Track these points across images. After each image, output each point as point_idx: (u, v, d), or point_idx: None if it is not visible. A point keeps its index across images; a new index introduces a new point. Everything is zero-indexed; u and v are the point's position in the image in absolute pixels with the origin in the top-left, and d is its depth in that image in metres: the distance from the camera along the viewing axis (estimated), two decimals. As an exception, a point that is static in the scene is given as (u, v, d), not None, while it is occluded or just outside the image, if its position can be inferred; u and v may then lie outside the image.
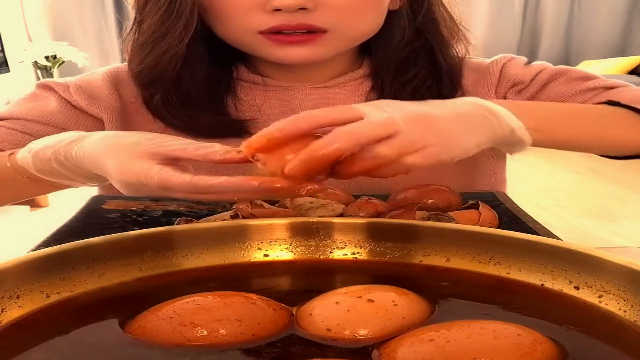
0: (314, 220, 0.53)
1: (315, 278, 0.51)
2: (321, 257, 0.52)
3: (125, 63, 0.84)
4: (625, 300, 0.42)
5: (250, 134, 0.82)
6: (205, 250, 0.51)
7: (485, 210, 0.61)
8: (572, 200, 3.23)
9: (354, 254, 0.52)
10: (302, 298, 0.43)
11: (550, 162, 4.06)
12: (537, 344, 0.35)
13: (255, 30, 0.74)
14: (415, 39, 0.83)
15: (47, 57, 3.78)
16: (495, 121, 0.56)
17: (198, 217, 0.62)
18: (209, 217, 0.61)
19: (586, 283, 0.44)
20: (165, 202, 0.70)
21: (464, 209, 0.64)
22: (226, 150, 0.51)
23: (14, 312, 0.42)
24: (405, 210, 0.60)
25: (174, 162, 0.52)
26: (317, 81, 0.85)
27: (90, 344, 0.39)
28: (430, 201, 0.65)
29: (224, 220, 0.59)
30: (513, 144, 0.60)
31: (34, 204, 3.05)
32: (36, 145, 0.60)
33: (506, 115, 0.57)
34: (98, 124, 0.83)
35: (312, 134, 0.49)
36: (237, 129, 0.83)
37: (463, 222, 0.57)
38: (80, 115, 0.82)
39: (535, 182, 3.59)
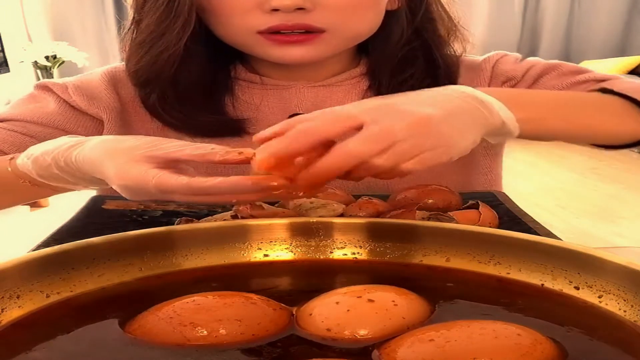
0: (314, 220, 0.53)
1: (315, 278, 0.51)
2: (321, 257, 0.52)
3: (124, 63, 0.84)
4: (625, 300, 0.42)
5: (248, 133, 0.83)
6: (205, 250, 0.51)
7: (485, 210, 0.61)
8: (572, 200, 3.24)
9: (354, 254, 0.52)
10: (302, 298, 0.43)
11: (550, 162, 4.06)
12: (537, 344, 0.35)
13: (253, 30, 0.74)
14: (414, 38, 0.83)
15: (47, 57, 3.78)
16: (486, 113, 0.55)
17: (198, 217, 0.62)
18: (210, 217, 0.61)
19: (586, 283, 0.44)
20: (165, 202, 0.70)
21: (464, 209, 0.64)
22: (227, 151, 0.51)
23: (14, 312, 0.42)
24: (405, 210, 0.60)
25: (172, 164, 0.52)
26: (314, 80, 0.85)
27: (90, 343, 0.39)
28: (430, 201, 0.65)
29: (224, 220, 0.59)
30: (502, 134, 0.58)
31: (34, 204, 3.05)
32: (35, 150, 0.60)
33: (497, 106, 0.56)
34: (97, 124, 0.83)
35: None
36: (234, 128, 0.83)
37: (463, 222, 0.57)
38: (80, 115, 0.82)
39: (535, 182, 3.59)
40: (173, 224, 0.59)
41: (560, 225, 2.77)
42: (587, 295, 0.44)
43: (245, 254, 0.52)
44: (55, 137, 0.79)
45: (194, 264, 0.51)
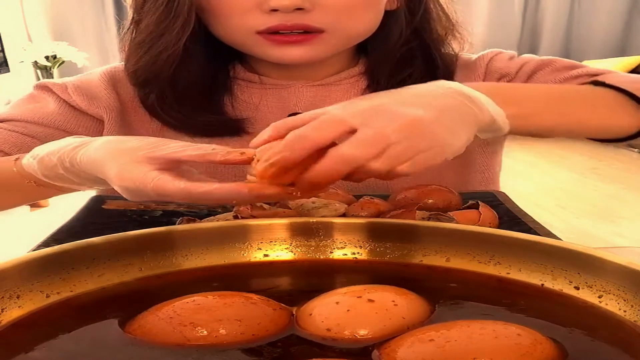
0: (314, 220, 0.53)
1: (315, 278, 0.51)
2: (321, 257, 0.52)
3: (123, 62, 0.84)
4: (625, 300, 0.42)
5: (247, 133, 0.83)
6: (205, 250, 0.51)
7: (485, 210, 0.61)
8: (572, 200, 3.23)
9: (354, 254, 0.52)
10: (302, 298, 0.43)
11: (550, 162, 4.06)
12: (537, 344, 0.35)
13: (252, 31, 0.75)
14: (412, 38, 0.83)
15: (47, 57, 3.78)
16: (476, 109, 0.54)
17: (199, 217, 0.62)
18: (212, 217, 0.61)
19: (586, 283, 0.44)
20: (165, 202, 0.70)
21: (464, 209, 0.64)
22: (228, 151, 0.51)
23: (14, 312, 0.42)
24: (405, 210, 0.60)
25: (174, 165, 0.52)
26: (313, 79, 0.85)
27: (90, 343, 0.39)
28: (430, 201, 0.65)
29: (226, 220, 0.59)
30: (492, 131, 0.58)
31: (34, 205, 3.05)
32: (40, 151, 0.60)
33: (487, 103, 0.56)
34: (97, 124, 0.83)
35: None
36: (234, 128, 0.83)
37: (463, 222, 0.57)
38: (80, 115, 0.82)
39: (535, 182, 3.59)
40: (173, 224, 0.59)
41: (560, 225, 2.77)
42: (587, 295, 0.44)
43: (245, 254, 0.52)
44: (55, 137, 0.79)
45: (194, 264, 0.51)
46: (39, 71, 3.85)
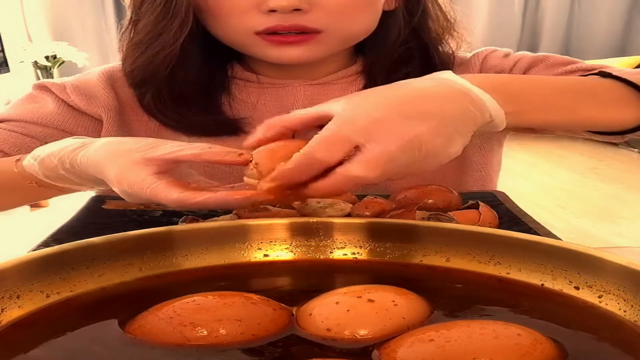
0: (314, 220, 0.53)
1: (315, 278, 0.51)
2: (321, 257, 0.52)
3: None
4: (625, 300, 0.42)
5: (245, 132, 0.83)
6: (205, 250, 0.51)
7: (485, 210, 0.61)
8: (572, 200, 3.23)
9: (354, 254, 0.52)
10: (302, 298, 0.43)
11: (550, 162, 4.06)
12: (537, 344, 0.35)
13: (250, 31, 0.75)
14: (411, 38, 0.83)
15: (47, 57, 3.78)
16: (478, 113, 0.54)
17: (199, 216, 0.62)
18: (216, 218, 0.61)
19: (586, 283, 0.44)
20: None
21: (464, 209, 0.64)
22: (226, 151, 0.51)
23: (14, 312, 0.42)
24: (405, 210, 0.60)
25: (172, 165, 0.53)
26: (311, 78, 0.85)
27: (90, 343, 0.39)
28: (430, 201, 0.65)
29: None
30: (488, 128, 0.57)
31: (34, 204, 3.05)
32: (41, 152, 0.61)
33: (488, 102, 0.55)
34: (96, 124, 0.83)
35: (304, 135, 0.51)
36: (231, 127, 0.83)
37: (463, 222, 0.57)
38: (79, 115, 0.82)
39: (535, 182, 3.59)
40: (173, 224, 0.59)
41: (560, 225, 2.77)
42: (587, 295, 0.44)
43: (245, 254, 0.52)
44: (54, 137, 0.80)
45: (194, 264, 0.51)
46: (39, 71, 3.85)
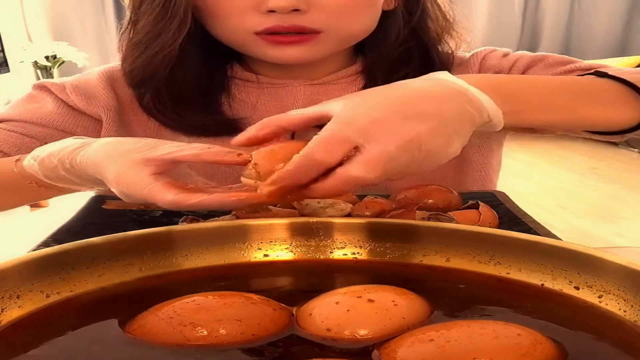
0: (314, 220, 0.53)
1: (315, 278, 0.51)
2: (321, 257, 0.52)
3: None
4: (625, 300, 0.42)
5: None
6: (205, 250, 0.51)
7: (485, 210, 0.61)
8: (572, 200, 3.23)
9: (354, 254, 0.52)
10: (302, 298, 0.43)
11: (550, 162, 4.06)
12: (537, 344, 0.35)
13: (250, 31, 0.75)
14: (410, 38, 0.83)
15: (47, 57, 3.78)
16: (476, 113, 0.54)
17: (199, 216, 0.62)
18: (216, 219, 0.61)
19: (586, 283, 0.44)
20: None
21: (464, 209, 0.64)
22: (225, 152, 0.51)
23: (14, 312, 0.42)
24: (405, 210, 0.60)
25: (171, 165, 0.53)
26: (311, 78, 0.85)
27: (90, 343, 0.39)
28: (430, 201, 0.65)
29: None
30: (486, 128, 0.57)
31: (34, 204, 3.05)
32: (41, 152, 0.61)
33: (486, 102, 0.55)
34: (96, 124, 0.83)
35: (304, 136, 0.52)
36: (231, 128, 0.83)
37: (463, 222, 0.57)
38: (78, 115, 0.82)
39: (535, 182, 3.59)
40: (173, 224, 0.59)
41: (560, 225, 2.77)
42: (587, 295, 0.44)
43: (245, 254, 0.52)
44: (54, 138, 0.80)
45: (194, 264, 0.51)
46: (39, 71, 3.85)
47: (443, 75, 0.56)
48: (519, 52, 0.87)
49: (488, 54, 0.87)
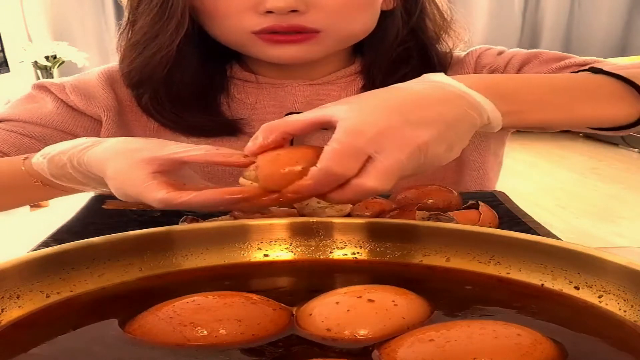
0: (314, 220, 0.53)
1: (315, 278, 0.51)
2: (321, 257, 0.52)
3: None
4: (625, 300, 0.42)
5: (244, 133, 0.83)
6: (205, 250, 0.51)
7: (485, 210, 0.61)
8: (572, 200, 3.23)
9: (354, 254, 0.52)
10: (302, 298, 0.43)
11: (550, 162, 4.06)
12: (537, 344, 0.35)
13: (248, 31, 0.74)
14: (409, 38, 0.83)
15: (47, 57, 3.78)
16: (476, 115, 0.54)
17: (199, 216, 0.62)
18: (215, 218, 0.61)
19: (586, 283, 0.44)
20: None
21: (464, 209, 0.64)
22: (231, 153, 0.51)
23: (14, 312, 0.42)
24: (405, 210, 0.60)
25: (175, 166, 0.53)
26: (310, 78, 0.85)
27: (90, 343, 0.39)
28: (430, 201, 0.65)
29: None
30: (485, 130, 0.57)
31: (34, 204, 3.05)
32: (51, 150, 0.61)
33: (486, 104, 0.55)
34: (96, 124, 0.83)
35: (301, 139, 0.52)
36: (230, 128, 0.83)
37: (463, 222, 0.57)
38: (78, 115, 0.82)
39: (535, 182, 3.59)
40: (173, 224, 0.59)
41: (560, 225, 2.77)
42: (587, 295, 0.44)
43: (245, 254, 0.52)
44: (54, 138, 0.80)
45: (194, 264, 0.51)
46: (39, 71, 3.85)
47: (439, 77, 0.56)
48: (514, 49, 0.87)
49: (483, 53, 0.87)
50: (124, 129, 0.84)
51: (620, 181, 3.63)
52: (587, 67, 0.69)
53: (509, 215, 0.67)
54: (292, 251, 0.53)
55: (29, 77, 3.87)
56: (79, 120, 0.82)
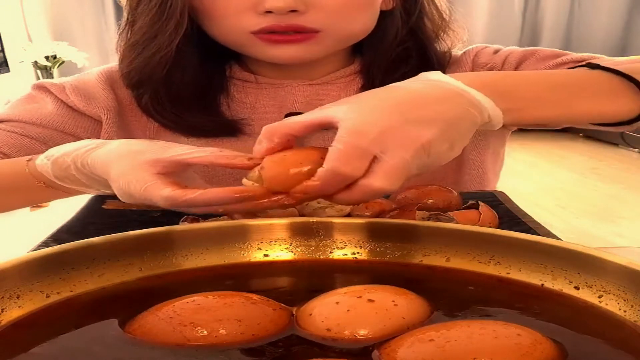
0: (314, 220, 0.53)
1: (315, 278, 0.51)
2: (321, 257, 0.52)
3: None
4: (625, 300, 0.42)
5: (244, 133, 0.83)
6: (205, 250, 0.51)
7: (485, 210, 0.61)
8: (572, 200, 3.23)
9: (354, 254, 0.52)
10: (302, 298, 0.43)
11: (550, 162, 4.06)
12: (537, 344, 0.35)
13: (247, 31, 0.74)
14: (408, 38, 0.83)
15: (47, 57, 3.77)
16: (477, 113, 0.54)
17: (200, 216, 0.62)
18: (216, 218, 0.61)
19: (586, 283, 0.44)
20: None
21: (464, 209, 0.64)
22: (235, 155, 0.51)
23: (14, 312, 0.42)
24: (405, 210, 0.60)
25: (179, 168, 0.53)
26: (309, 78, 0.85)
27: (90, 343, 0.39)
28: (430, 201, 0.65)
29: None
30: (486, 128, 0.57)
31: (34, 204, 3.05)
32: (56, 151, 0.61)
33: (486, 102, 0.55)
34: (96, 125, 0.83)
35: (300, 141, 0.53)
36: (230, 128, 0.83)
37: (463, 222, 0.57)
38: (78, 116, 0.82)
39: (535, 182, 3.59)
40: (173, 224, 0.59)
41: (560, 225, 2.77)
42: (587, 295, 0.44)
43: (245, 254, 0.52)
44: (54, 139, 0.80)
45: (194, 264, 0.51)
46: (39, 71, 3.85)
47: (437, 75, 0.56)
48: (510, 47, 0.87)
49: (480, 51, 0.87)
50: (124, 130, 0.84)
51: (620, 181, 3.63)
52: (584, 63, 0.69)
53: (509, 215, 0.67)
54: (292, 251, 0.53)
55: (29, 77, 3.87)
56: (79, 120, 0.82)
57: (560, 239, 0.50)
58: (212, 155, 0.52)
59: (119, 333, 0.40)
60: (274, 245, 0.52)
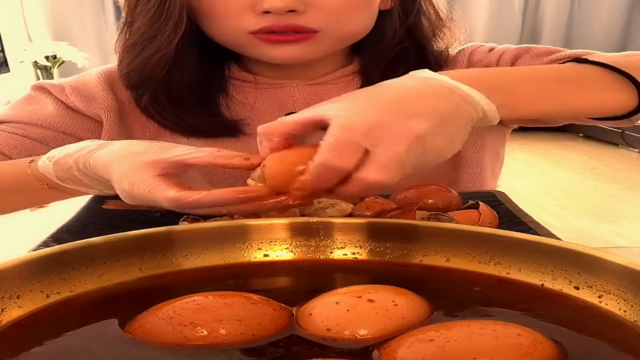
0: (314, 220, 0.53)
1: (315, 278, 0.51)
2: (321, 257, 0.52)
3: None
4: (625, 300, 0.42)
5: (244, 133, 0.83)
6: (205, 250, 0.51)
7: (485, 210, 0.61)
8: (572, 200, 3.23)
9: (354, 254, 0.52)
10: (302, 298, 0.43)
11: (550, 162, 4.06)
12: (537, 344, 0.35)
13: (245, 31, 0.74)
14: (406, 38, 0.83)
15: (47, 57, 3.78)
16: (471, 109, 0.54)
17: (200, 216, 0.62)
18: (216, 218, 0.61)
19: (586, 283, 0.44)
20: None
21: (464, 209, 0.64)
22: (233, 155, 0.52)
23: (14, 312, 0.42)
24: (405, 210, 0.60)
25: (179, 169, 0.53)
26: (308, 78, 0.85)
27: (90, 343, 0.39)
28: (430, 201, 0.65)
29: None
30: (483, 124, 0.58)
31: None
32: (57, 153, 0.62)
33: (479, 98, 0.55)
34: (96, 125, 0.83)
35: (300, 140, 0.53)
36: (229, 129, 0.83)
37: (463, 222, 0.57)
38: (78, 117, 0.82)
39: (535, 182, 3.59)
40: (173, 224, 0.59)
41: (560, 225, 2.77)
42: (587, 295, 0.44)
43: (245, 254, 0.52)
44: (55, 139, 0.80)
45: (194, 264, 0.51)
46: (39, 71, 3.85)
47: (426, 73, 0.57)
48: (504, 45, 0.87)
49: (475, 50, 0.87)
50: (124, 130, 0.84)
51: (620, 181, 3.63)
52: (574, 58, 0.70)
53: (509, 215, 0.67)
54: (292, 251, 0.53)
55: (29, 77, 3.87)
56: (79, 121, 0.82)
57: (560, 239, 0.50)
58: (211, 155, 0.52)
59: (119, 333, 0.40)
60: (274, 245, 0.53)
